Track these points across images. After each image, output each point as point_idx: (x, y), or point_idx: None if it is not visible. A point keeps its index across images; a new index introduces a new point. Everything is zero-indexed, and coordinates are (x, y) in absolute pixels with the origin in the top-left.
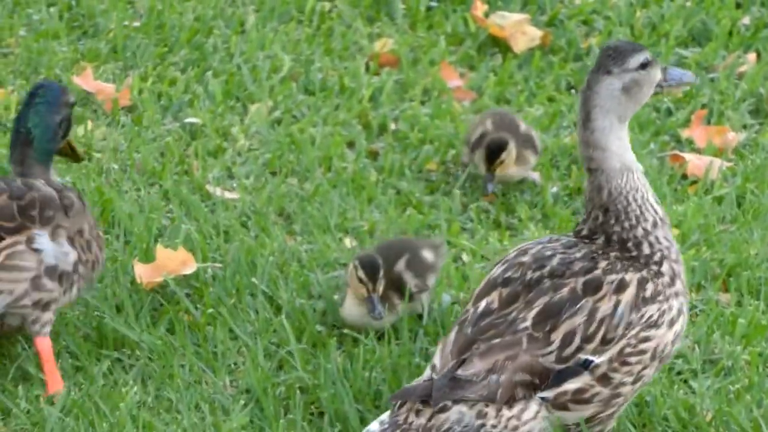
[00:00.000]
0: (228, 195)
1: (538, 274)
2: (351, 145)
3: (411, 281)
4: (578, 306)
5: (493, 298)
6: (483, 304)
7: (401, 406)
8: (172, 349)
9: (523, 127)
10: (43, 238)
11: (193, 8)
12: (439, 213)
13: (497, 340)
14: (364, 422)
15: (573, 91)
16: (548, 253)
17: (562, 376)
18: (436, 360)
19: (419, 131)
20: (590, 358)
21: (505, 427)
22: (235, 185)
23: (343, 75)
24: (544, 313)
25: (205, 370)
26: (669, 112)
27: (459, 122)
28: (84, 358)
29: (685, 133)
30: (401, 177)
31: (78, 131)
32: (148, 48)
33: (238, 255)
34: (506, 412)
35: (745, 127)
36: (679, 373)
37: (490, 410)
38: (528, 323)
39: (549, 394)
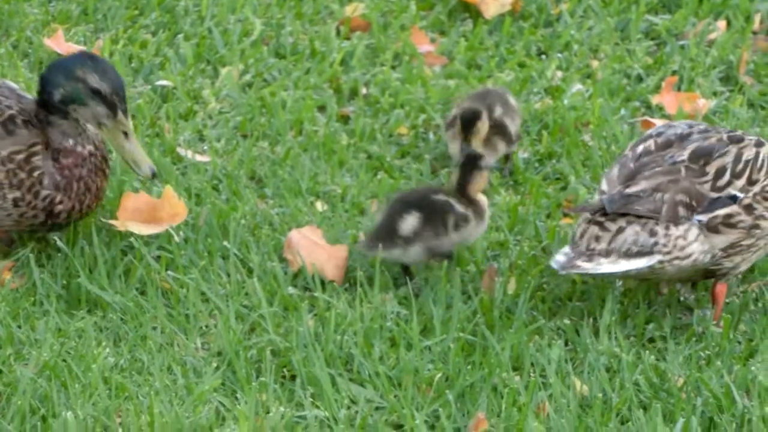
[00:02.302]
0: (199, 158)
1: (688, 130)
2: (322, 109)
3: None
4: (726, 150)
5: (649, 143)
6: (641, 147)
7: (580, 237)
8: (144, 310)
9: (498, 111)
10: None
11: None
12: (410, 177)
13: (659, 169)
14: (335, 385)
15: (543, 56)
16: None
17: (714, 205)
18: (603, 187)
19: (390, 96)
20: (737, 194)
21: (674, 246)
22: (206, 148)
23: (314, 39)
24: (697, 152)
25: (177, 332)
26: (639, 79)
27: (429, 87)
28: (56, 318)
29: (655, 100)
30: (372, 141)
31: None
32: (119, 10)
33: (209, 218)
34: (674, 231)
35: (715, 94)
36: (650, 339)
37: (660, 228)
38: (685, 157)
39: (704, 217)
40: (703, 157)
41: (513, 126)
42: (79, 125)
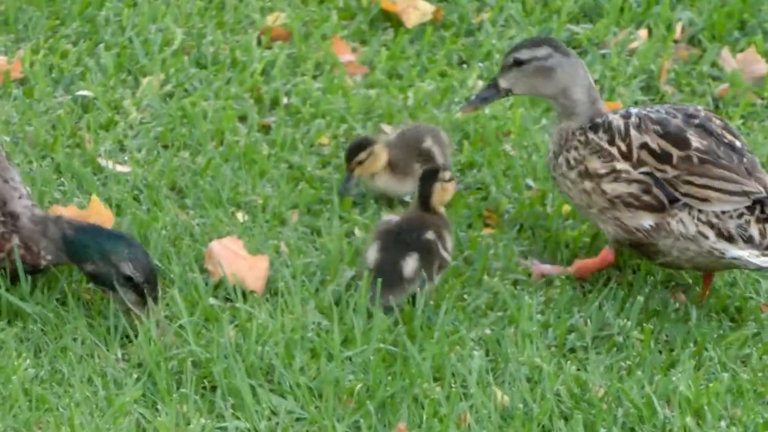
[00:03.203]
0: (120, 168)
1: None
2: (243, 119)
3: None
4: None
5: (694, 138)
6: (695, 144)
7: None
8: (64, 321)
9: (427, 142)
10: None
11: None
12: (332, 187)
13: (745, 159)
14: (256, 396)
15: (464, 66)
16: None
17: None
18: (735, 188)
19: (311, 105)
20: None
21: None
22: (126, 158)
23: (235, 48)
24: (734, 136)
25: (98, 343)
26: None
27: (351, 97)
28: None
29: None
30: (293, 151)
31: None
32: (39, 20)
33: (130, 229)
34: None
35: (636, 103)
36: (571, 350)
37: None
38: (739, 144)
39: None
40: (738, 139)
41: (441, 157)
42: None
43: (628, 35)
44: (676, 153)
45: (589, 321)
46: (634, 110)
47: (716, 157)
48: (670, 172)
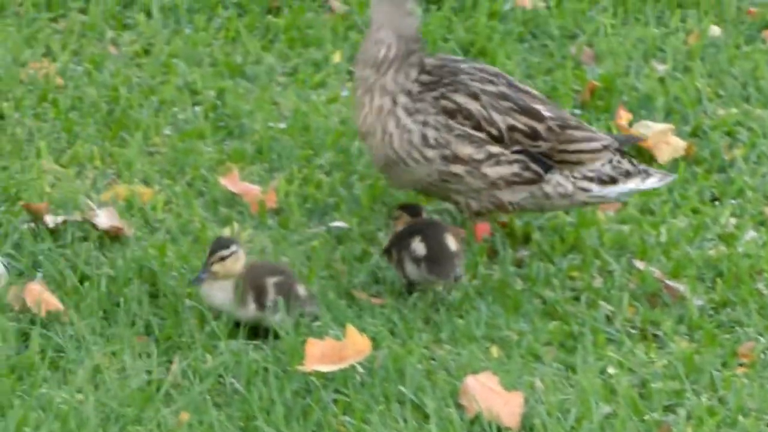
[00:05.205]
0: (375, 300)
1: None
2: (494, 252)
3: None
4: None
5: (540, 107)
6: (544, 113)
7: None
8: None
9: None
10: None
11: (337, 111)
12: (584, 323)
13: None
14: None
15: (717, 202)
16: None
17: None
18: None
19: (563, 240)
20: None
21: None
22: (381, 291)
23: None
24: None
25: None
26: None
27: (603, 231)
28: None
29: None
30: (546, 286)
31: (225, 232)
32: (293, 150)
33: (385, 362)
34: None
35: None
36: None
37: None
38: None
39: None
40: None
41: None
42: None
43: None
44: (539, 126)
45: None
46: (474, 87)
47: (565, 120)
48: (543, 146)
